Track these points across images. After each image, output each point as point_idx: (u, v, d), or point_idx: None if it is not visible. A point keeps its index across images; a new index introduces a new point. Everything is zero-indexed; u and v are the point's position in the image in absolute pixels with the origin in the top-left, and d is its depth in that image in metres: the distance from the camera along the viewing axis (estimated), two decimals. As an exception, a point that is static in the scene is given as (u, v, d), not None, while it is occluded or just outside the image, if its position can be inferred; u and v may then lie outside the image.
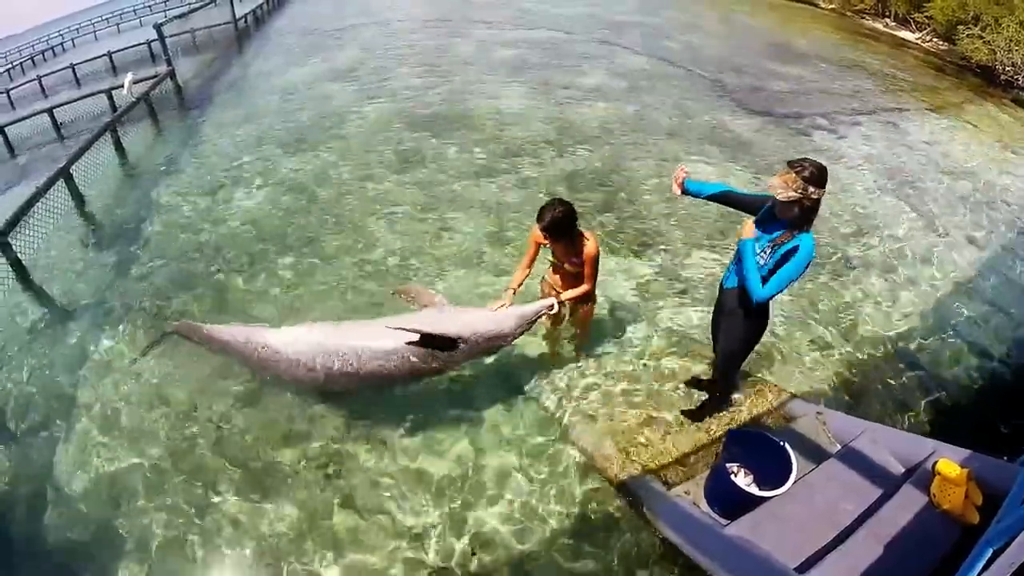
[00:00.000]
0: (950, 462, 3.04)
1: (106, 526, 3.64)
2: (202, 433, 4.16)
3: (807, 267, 2.95)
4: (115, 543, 3.55)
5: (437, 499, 3.71)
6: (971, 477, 2.98)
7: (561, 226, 3.46)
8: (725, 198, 3.42)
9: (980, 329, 5.79)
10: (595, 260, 3.68)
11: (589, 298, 4.09)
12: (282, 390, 4.17)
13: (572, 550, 3.43)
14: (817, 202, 2.85)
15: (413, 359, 3.58)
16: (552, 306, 3.67)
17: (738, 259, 3.12)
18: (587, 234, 3.64)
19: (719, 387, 3.90)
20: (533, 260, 3.85)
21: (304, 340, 3.80)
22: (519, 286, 3.83)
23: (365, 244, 6.26)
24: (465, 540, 3.49)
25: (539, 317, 3.73)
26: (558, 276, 3.91)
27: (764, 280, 2.98)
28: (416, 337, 3.50)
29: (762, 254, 3.01)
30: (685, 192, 3.45)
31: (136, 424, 4.26)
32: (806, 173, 2.78)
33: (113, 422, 4.31)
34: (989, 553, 2.31)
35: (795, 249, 2.89)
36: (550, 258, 3.86)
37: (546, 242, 3.65)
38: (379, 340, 3.60)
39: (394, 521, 3.59)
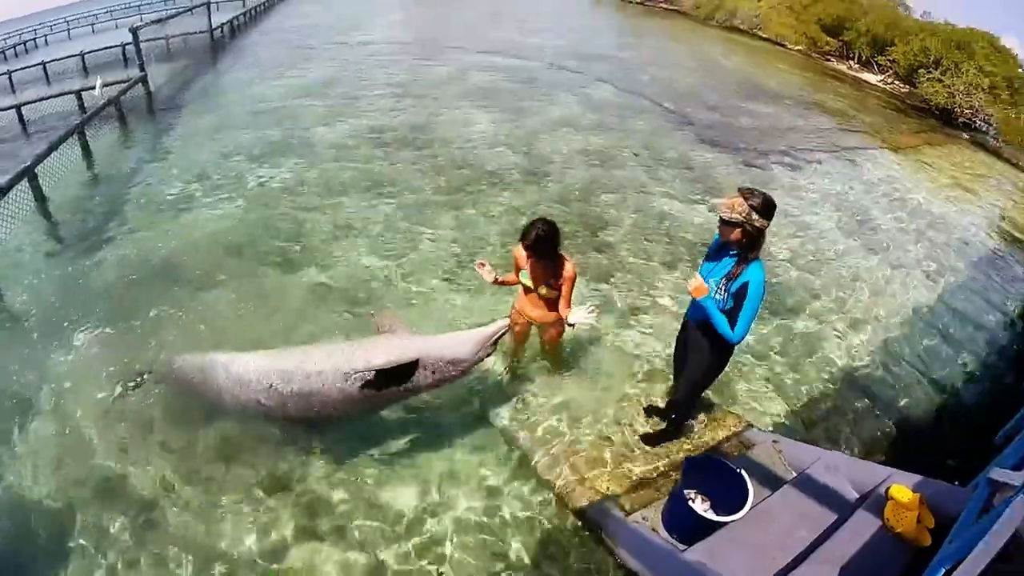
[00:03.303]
0: (903, 487, 3.10)
1: (57, 539, 3.46)
2: (157, 450, 3.97)
3: (764, 295, 3.02)
4: (65, 557, 3.37)
5: (393, 525, 3.60)
6: (923, 501, 3.05)
7: (546, 243, 3.49)
8: None
9: (932, 360, 6.00)
10: (572, 282, 3.71)
11: (558, 322, 4.09)
12: (235, 417, 4.00)
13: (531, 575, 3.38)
14: (761, 232, 2.93)
15: (373, 389, 3.53)
16: (508, 326, 3.65)
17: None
18: (567, 257, 3.70)
19: (678, 413, 3.92)
20: (517, 276, 3.87)
21: (259, 367, 3.69)
22: (501, 281, 3.88)
23: (329, 263, 6.15)
24: (423, 565, 3.41)
25: (498, 338, 3.66)
26: (527, 300, 3.92)
27: (730, 320, 3.03)
28: (372, 377, 3.47)
29: (719, 291, 3.07)
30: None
31: (90, 437, 4.05)
32: (754, 201, 2.87)
33: (68, 433, 4.08)
34: (942, 573, 2.40)
35: (747, 284, 2.95)
36: (524, 281, 3.85)
37: (527, 264, 3.68)
38: (336, 369, 3.53)
39: (349, 546, 3.49)
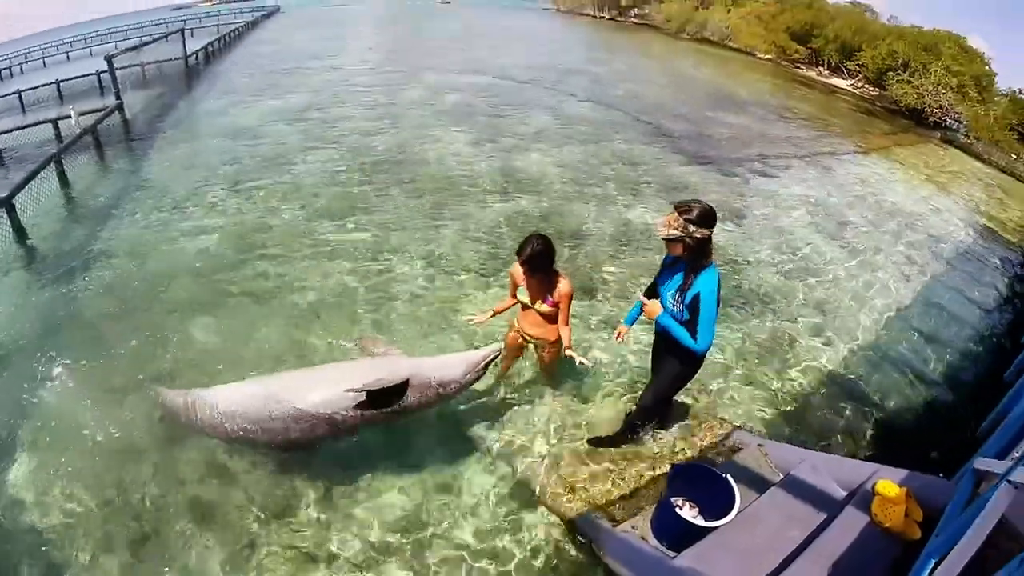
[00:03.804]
0: (889, 482, 3.11)
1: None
2: (138, 480, 3.87)
3: (719, 298, 3.09)
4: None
5: (384, 542, 3.54)
6: (910, 495, 3.07)
7: (541, 257, 3.51)
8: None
9: (913, 356, 6.05)
10: (569, 299, 3.74)
11: (558, 341, 4.08)
12: (215, 442, 3.92)
13: (521, 589, 3.33)
14: (703, 241, 2.97)
15: (364, 410, 3.48)
16: (500, 351, 3.68)
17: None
18: (562, 274, 3.71)
19: (638, 418, 3.91)
20: (514, 295, 3.89)
21: (247, 394, 3.62)
22: (497, 312, 3.98)
23: (312, 289, 6.06)
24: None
25: (489, 362, 3.67)
26: (526, 319, 3.93)
27: (691, 331, 3.09)
28: (363, 397, 3.42)
29: (675, 304, 3.16)
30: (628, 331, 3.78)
31: (69, 473, 3.92)
32: (690, 215, 2.92)
33: (46, 470, 3.95)
34: (932, 564, 2.41)
35: (698, 295, 3.02)
36: (521, 298, 3.85)
37: (522, 281, 3.71)
38: (325, 391, 3.48)
39: (337, 567, 3.43)
